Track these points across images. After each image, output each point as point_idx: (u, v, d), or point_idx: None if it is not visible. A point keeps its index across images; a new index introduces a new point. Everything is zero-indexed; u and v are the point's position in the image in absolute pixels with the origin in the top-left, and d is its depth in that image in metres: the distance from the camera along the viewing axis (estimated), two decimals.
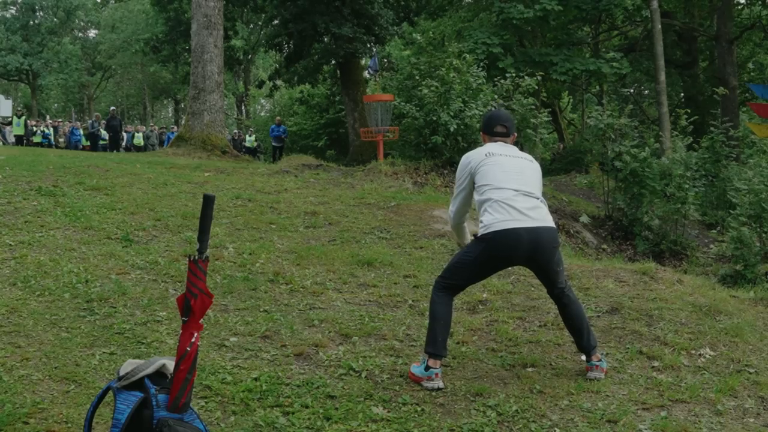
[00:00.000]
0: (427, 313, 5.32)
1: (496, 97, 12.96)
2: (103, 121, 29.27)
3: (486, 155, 4.41)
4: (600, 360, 4.37)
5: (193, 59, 16.75)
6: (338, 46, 22.63)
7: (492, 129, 4.60)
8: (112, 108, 31.37)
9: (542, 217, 4.25)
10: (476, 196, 4.40)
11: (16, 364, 4.10)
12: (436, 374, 4.18)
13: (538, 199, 4.32)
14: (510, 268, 5.92)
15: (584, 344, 4.37)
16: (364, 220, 8.31)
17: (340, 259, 6.69)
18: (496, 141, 4.56)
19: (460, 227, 4.72)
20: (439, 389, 4.13)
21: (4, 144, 25.07)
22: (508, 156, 4.43)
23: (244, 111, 51.15)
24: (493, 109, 11.56)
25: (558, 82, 26.15)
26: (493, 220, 4.18)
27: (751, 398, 4.15)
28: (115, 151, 26.59)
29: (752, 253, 10.32)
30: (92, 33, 58.45)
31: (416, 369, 4.25)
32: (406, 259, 6.83)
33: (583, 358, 4.46)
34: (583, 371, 4.41)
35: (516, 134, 4.74)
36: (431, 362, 4.18)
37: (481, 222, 4.26)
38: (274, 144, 28.98)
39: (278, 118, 31.77)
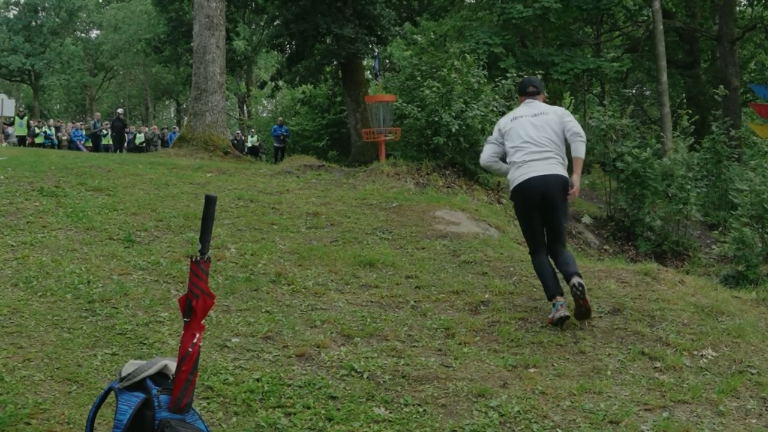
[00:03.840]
0: (430, 313, 5.37)
1: (497, 97, 12.94)
2: (106, 122, 29.28)
3: (512, 119, 5.68)
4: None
5: (195, 60, 16.75)
6: (340, 47, 22.60)
7: (525, 90, 5.86)
8: (119, 110, 31.37)
9: (550, 168, 5.41)
10: (507, 155, 5.66)
11: (17, 365, 4.10)
12: (561, 305, 5.17)
13: (549, 149, 5.47)
14: (512, 269, 6.05)
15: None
16: (366, 221, 8.31)
17: (342, 259, 6.69)
18: (526, 100, 5.79)
19: (493, 168, 5.93)
20: (565, 317, 5.11)
21: (6, 145, 25.09)
22: (533, 116, 5.60)
23: (246, 111, 51.15)
24: (496, 104, 12.48)
25: (559, 82, 26.12)
26: (515, 176, 5.50)
27: (753, 399, 4.15)
28: (118, 152, 26.60)
29: (754, 253, 10.32)
30: (94, 33, 58.49)
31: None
32: (408, 260, 6.82)
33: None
34: (584, 372, 4.42)
35: (545, 93, 6.00)
36: (553, 300, 5.25)
37: (510, 177, 5.59)
38: (275, 144, 28.98)
39: (280, 118, 31.76)
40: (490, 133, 6.05)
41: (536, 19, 22.76)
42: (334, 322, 5.14)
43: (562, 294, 5.27)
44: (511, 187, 5.58)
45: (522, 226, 5.74)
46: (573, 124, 5.53)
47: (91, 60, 55.87)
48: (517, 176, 5.47)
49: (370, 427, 3.67)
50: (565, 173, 5.48)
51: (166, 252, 6.65)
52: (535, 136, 5.48)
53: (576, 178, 5.49)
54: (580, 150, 5.48)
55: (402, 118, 14.27)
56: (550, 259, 5.49)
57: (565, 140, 5.56)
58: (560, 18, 23.42)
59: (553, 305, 5.23)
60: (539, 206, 5.42)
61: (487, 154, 5.84)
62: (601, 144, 14.06)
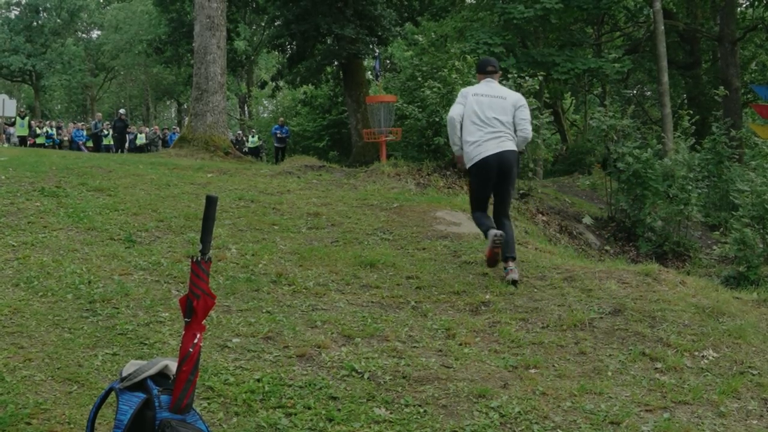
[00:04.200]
0: (431, 314, 5.37)
1: None
2: (107, 122, 29.27)
3: (474, 95, 6.60)
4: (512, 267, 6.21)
5: (196, 60, 16.75)
6: (341, 47, 22.60)
7: (485, 68, 6.80)
8: (121, 110, 31.33)
9: (502, 145, 6.40)
10: (465, 122, 6.57)
11: (18, 365, 4.10)
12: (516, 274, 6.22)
13: (501, 130, 6.43)
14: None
15: (506, 254, 6.28)
16: (367, 222, 8.31)
17: (342, 260, 6.69)
18: (486, 78, 6.72)
19: (454, 129, 6.65)
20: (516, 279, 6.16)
21: (8, 145, 25.09)
22: (490, 96, 6.54)
23: (246, 112, 51.16)
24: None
25: (560, 82, 26.12)
26: (473, 155, 6.44)
27: (754, 400, 4.14)
28: (119, 152, 26.62)
29: (755, 254, 10.31)
30: (95, 34, 58.51)
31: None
32: (408, 260, 6.82)
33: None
34: (585, 372, 4.42)
35: (500, 72, 7.11)
36: (488, 233, 6.33)
37: (467, 154, 6.53)
38: (276, 145, 28.98)
39: (281, 119, 31.77)
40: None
41: (537, 20, 22.75)
42: (335, 323, 5.14)
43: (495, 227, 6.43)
44: (469, 165, 6.53)
45: (474, 194, 6.72)
46: (524, 126, 6.57)
47: (92, 60, 55.90)
48: (474, 155, 6.44)
49: (370, 427, 3.67)
50: (515, 147, 6.52)
51: (167, 252, 6.65)
52: (492, 119, 6.45)
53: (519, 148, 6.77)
54: (522, 147, 6.70)
55: (403, 118, 14.29)
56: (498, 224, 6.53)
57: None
58: (561, 18, 23.40)
59: (486, 237, 6.42)
60: (494, 178, 6.46)
61: (457, 111, 6.63)
62: (602, 144, 14.06)
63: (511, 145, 6.46)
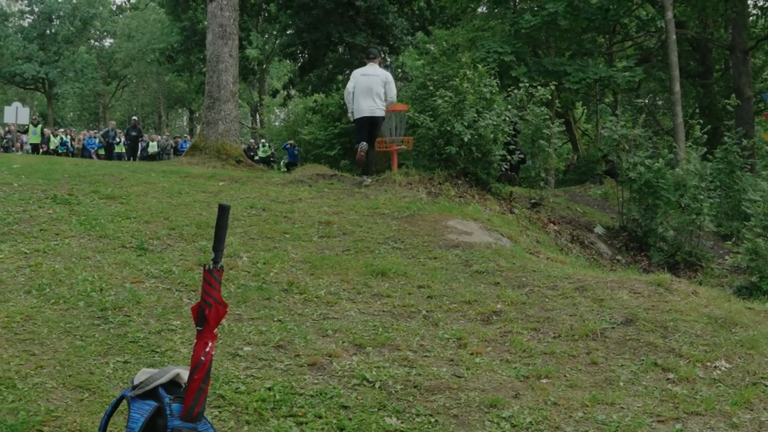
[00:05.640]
0: (442, 323, 5.36)
1: (509, 107, 12.92)
2: (119, 130, 29.42)
3: (362, 75, 11.30)
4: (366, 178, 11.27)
5: (208, 69, 16.80)
6: (352, 56, 22.67)
7: (369, 55, 11.72)
8: (134, 118, 31.54)
9: (374, 109, 11.20)
10: (353, 97, 11.38)
11: (30, 372, 4.12)
12: (368, 182, 11.35)
13: (375, 100, 11.18)
14: (524, 279, 6.06)
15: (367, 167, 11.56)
16: (378, 230, 8.31)
17: (354, 269, 6.69)
18: (369, 63, 11.53)
19: (347, 100, 11.57)
20: (367, 185, 11.03)
21: (21, 153, 25.24)
22: (369, 75, 11.25)
23: (258, 120, 51.33)
24: (508, 114, 13.03)
25: (571, 91, 26.06)
26: (356, 112, 11.28)
27: (767, 411, 4.12)
28: (131, 160, 26.73)
29: (767, 264, 10.25)
30: (108, 42, 58.86)
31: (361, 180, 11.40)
32: (420, 270, 6.82)
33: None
34: (597, 383, 4.40)
35: (380, 57, 12.38)
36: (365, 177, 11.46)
37: (351, 111, 11.47)
38: (288, 160, 29.32)
39: (291, 141, 32.01)
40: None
41: (545, 27, 22.71)
42: (346, 332, 5.14)
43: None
44: (353, 117, 11.49)
45: (357, 135, 11.58)
46: (391, 93, 11.31)
47: (105, 68, 56.28)
48: (357, 111, 11.30)
49: None
50: (381, 112, 11.36)
51: (178, 260, 6.67)
52: (368, 90, 11.16)
53: (387, 108, 11.51)
54: (390, 104, 11.43)
55: (414, 127, 14.28)
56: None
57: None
58: (569, 24, 23.30)
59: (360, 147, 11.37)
60: (366, 127, 11.35)
61: (349, 88, 11.44)
62: (613, 154, 14.01)
63: (379, 112, 11.30)
